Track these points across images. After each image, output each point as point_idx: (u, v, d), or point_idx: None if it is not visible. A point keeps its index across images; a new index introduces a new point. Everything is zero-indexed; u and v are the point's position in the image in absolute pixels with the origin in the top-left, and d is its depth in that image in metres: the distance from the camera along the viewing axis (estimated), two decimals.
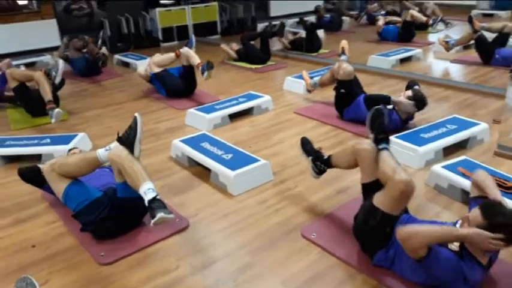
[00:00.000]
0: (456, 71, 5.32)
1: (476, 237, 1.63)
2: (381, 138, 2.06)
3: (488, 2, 9.30)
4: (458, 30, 6.64)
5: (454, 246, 1.75)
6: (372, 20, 8.05)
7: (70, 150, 2.89)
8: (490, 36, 5.35)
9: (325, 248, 2.12)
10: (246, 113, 4.01)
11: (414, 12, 6.87)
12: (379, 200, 1.87)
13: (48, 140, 3.30)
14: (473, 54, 5.48)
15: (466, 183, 2.35)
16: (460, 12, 8.31)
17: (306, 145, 2.54)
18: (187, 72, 4.46)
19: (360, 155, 2.11)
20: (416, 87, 3.46)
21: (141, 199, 1.98)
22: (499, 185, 2.31)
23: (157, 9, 7.58)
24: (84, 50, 5.57)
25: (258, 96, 4.16)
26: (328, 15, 8.22)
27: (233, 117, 3.90)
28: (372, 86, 4.44)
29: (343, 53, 4.43)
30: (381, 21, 6.97)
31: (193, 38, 4.88)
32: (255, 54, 5.82)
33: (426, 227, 1.80)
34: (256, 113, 4.03)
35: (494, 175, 2.42)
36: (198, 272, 2.02)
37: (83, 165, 2.20)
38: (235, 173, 2.66)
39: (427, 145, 2.93)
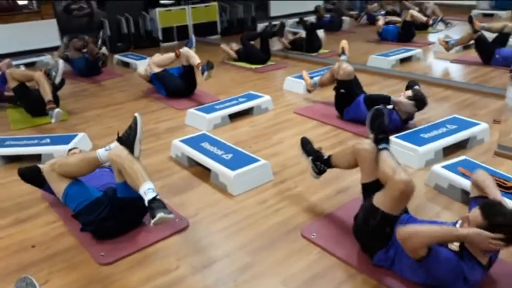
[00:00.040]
0: (456, 71, 5.32)
1: (476, 237, 1.63)
2: (381, 138, 2.06)
3: (488, 2, 9.30)
4: (458, 30, 6.64)
5: (454, 246, 1.75)
6: (372, 20, 8.05)
7: (70, 150, 2.89)
8: (490, 36, 5.35)
9: (325, 248, 2.12)
10: (246, 113, 4.01)
11: (414, 12, 6.87)
12: (379, 200, 1.87)
13: (48, 140, 3.30)
14: (473, 54, 5.48)
15: (466, 183, 2.35)
16: (460, 12, 8.31)
17: (306, 145, 2.54)
18: (187, 72, 4.46)
19: (360, 155, 2.11)
20: (416, 87, 3.46)
21: (141, 199, 1.98)
22: (499, 185, 2.31)
23: (157, 9, 7.58)
24: (84, 50, 5.57)
25: (258, 96, 4.16)
26: (328, 15, 8.23)
27: (233, 117, 3.89)
28: (372, 86, 4.44)
29: (343, 53, 4.44)
30: (381, 21, 6.97)
31: (193, 38, 4.88)
32: (255, 54, 5.82)
33: (426, 227, 1.80)
34: (256, 113, 4.03)
35: (494, 175, 2.42)
36: (198, 272, 2.02)
37: (83, 165, 2.20)
38: (235, 173, 2.66)
39: (427, 145, 2.93)
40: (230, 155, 2.89)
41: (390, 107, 3.34)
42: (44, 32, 6.93)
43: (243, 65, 5.81)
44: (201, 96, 4.54)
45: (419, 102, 3.31)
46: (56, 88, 4.15)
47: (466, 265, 1.69)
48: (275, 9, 9.17)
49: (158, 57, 4.61)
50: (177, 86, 4.52)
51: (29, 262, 2.12)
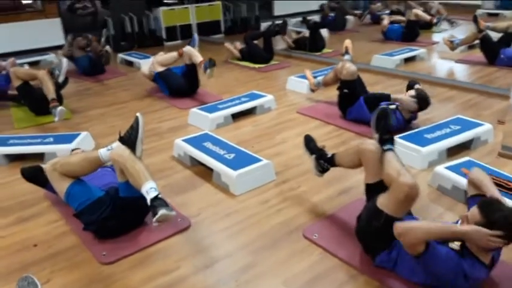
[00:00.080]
0: (460, 71, 5.29)
1: (475, 234, 1.62)
2: (386, 139, 2.05)
3: (493, 1, 9.24)
4: (463, 30, 6.61)
5: (455, 245, 1.75)
6: (376, 20, 8.02)
7: (73, 150, 2.90)
8: (495, 36, 5.32)
9: (327, 249, 2.11)
10: (249, 112, 4.00)
11: (418, 11, 6.84)
12: (383, 202, 1.86)
13: (51, 139, 3.30)
14: (478, 54, 5.45)
15: None
16: (465, 11, 8.27)
17: (309, 143, 2.53)
18: (190, 71, 4.46)
19: (364, 155, 2.10)
20: (417, 86, 3.43)
21: (143, 199, 1.99)
22: (503, 186, 2.31)
23: (161, 8, 7.58)
24: (88, 49, 5.58)
25: (260, 96, 4.15)
26: (332, 14, 8.21)
27: (236, 116, 3.89)
28: (375, 86, 4.42)
29: (346, 52, 4.41)
30: (385, 21, 6.94)
31: (196, 37, 4.88)
32: (258, 53, 5.81)
33: (423, 223, 1.80)
34: (259, 112, 4.03)
35: (498, 176, 2.42)
36: (199, 271, 2.02)
37: (85, 165, 2.20)
38: (238, 173, 2.66)
39: (431, 146, 2.91)
40: (232, 155, 2.89)
41: (393, 106, 3.32)
42: (48, 31, 6.96)
43: (246, 64, 5.81)
44: (204, 96, 4.54)
45: (423, 101, 3.29)
46: (59, 87, 4.16)
47: (467, 263, 1.68)
48: (279, 9, 9.16)
49: (161, 57, 4.62)
50: (180, 85, 4.51)
51: (31, 261, 2.13)
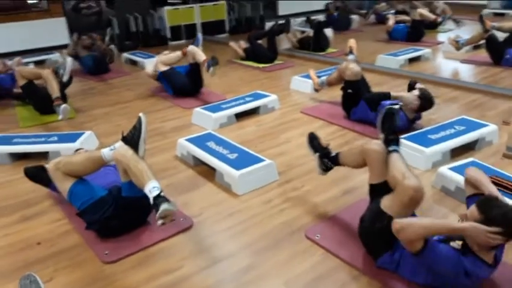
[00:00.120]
0: (466, 71, 5.26)
1: (473, 231, 1.61)
2: (392, 140, 2.04)
3: (499, 1, 9.18)
4: (468, 30, 6.57)
5: (456, 244, 1.74)
6: (381, 19, 7.99)
7: (76, 150, 2.91)
8: (501, 35, 5.28)
9: (329, 250, 2.11)
10: (253, 112, 4.00)
11: (422, 11, 6.80)
12: (387, 204, 1.85)
13: (55, 138, 3.32)
14: (483, 54, 5.41)
15: None
16: (470, 11, 8.21)
17: (313, 141, 2.51)
18: (194, 70, 4.46)
19: (369, 155, 2.08)
20: (418, 85, 3.41)
21: (146, 198, 1.99)
22: (507, 188, 2.29)
23: (166, 8, 7.60)
24: (93, 48, 5.60)
25: (264, 96, 4.15)
26: (336, 13, 8.20)
27: (239, 116, 3.89)
28: (380, 86, 4.40)
29: (351, 52, 4.39)
30: (391, 21, 6.90)
31: (199, 36, 4.89)
32: (262, 53, 5.81)
33: (422, 219, 1.79)
34: (263, 112, 4.02)
35: (503, 177, 2.40)
36: (201, 271, 2.02)
37: (88, 164, 2.21)
38: (240, 173, 2.66)
39: (434, 146, 2.89)
40: (235, 155, 2.88)
41: (397, 107, 3.31)
42: (53, 31, 7.00)
43: (251, 63, 5.80)
44: (208, 95, 4.54)
45: (426, 101, 3.27)
46: (63, 86, 4.18)
47: (468, 261, 1.67)
48: (283, 8, 9.15)
49: (165, 56, 4.63)
50: (184, 84, 4.52)
51: (34, 259, 2.14)
